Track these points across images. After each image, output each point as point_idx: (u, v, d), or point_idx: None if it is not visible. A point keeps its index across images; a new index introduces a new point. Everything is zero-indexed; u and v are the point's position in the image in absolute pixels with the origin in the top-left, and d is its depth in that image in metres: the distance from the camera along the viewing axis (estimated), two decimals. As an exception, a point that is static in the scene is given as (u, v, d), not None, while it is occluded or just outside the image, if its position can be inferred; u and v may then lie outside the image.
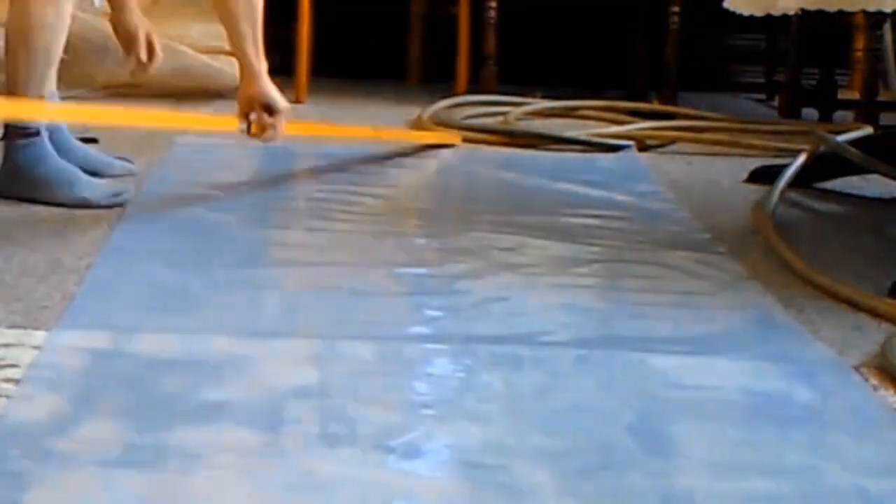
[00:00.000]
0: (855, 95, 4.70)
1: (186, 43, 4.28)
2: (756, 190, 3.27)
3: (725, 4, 3.88)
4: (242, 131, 3.00)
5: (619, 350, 2.03)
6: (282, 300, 2.28)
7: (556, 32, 5.20)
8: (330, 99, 4.57)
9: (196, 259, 2.52)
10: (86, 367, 1.86)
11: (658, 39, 4.76)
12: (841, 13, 3.83)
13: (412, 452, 1.62)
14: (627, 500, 1.52)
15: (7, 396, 1.72)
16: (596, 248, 2.68)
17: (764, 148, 3.83)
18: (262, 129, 3.00)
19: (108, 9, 4.31)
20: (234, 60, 4.42)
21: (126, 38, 3.16)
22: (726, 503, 1.52)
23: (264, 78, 2.98)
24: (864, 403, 1.86)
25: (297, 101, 4.46)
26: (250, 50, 2.96)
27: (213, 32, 4.40)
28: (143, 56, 3.14)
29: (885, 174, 3.21)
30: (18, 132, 2.84)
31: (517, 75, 4.92)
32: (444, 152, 3.67)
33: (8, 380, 1.77)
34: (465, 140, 3.83)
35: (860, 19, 4.73)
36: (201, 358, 1.91)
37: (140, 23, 3.16)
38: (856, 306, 2.30)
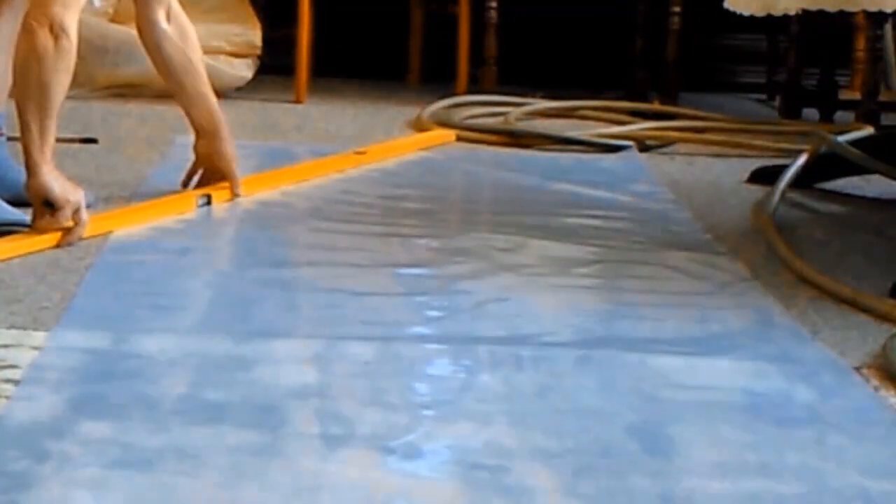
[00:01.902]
0: (856, 96, 4.69)
1: (186, 43, 4.27)
2: (757, 190, 3.26)
3: (725, 4, 3.87)
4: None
5: (620, 350, 2.03)
6: (282, 300, 2.28)
7: (556, 33, 5.19)
8: (330, 99, 4.57)
9: (196, 259, 2.52)
10: (86, 367, 1.86)
11: (658, 39, 4.76)
12: (842, 13, 3.83)
13: (412, 453, 1.62)
14: (628, 500, 1.51)
15: (7, 397, 1.72)
16: (596, 249, 2.68)
17: (764, 148, 3.82)
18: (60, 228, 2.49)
19: (108, 9, 4.33)
20: (234, 60, 4.45)
21: (210, 166, 2.91)
22: (726, 503, 1.53)
23: (44, 169, 2.46)
24: (864, 404, 1.86)
25: (297, 100, 4.46)
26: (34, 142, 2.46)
27: (213, 32, 4.41)
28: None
29: (885, 174, 3.20)
30: None
31: (517, 75, 4.92)
32: (443, 152, 3.67)
33: (8, 380, 1.77)
34: (466, 140, 3.82)
35: (861, 19, 4.72)
36: (201, 358, 1.91)
37: (233, 156, 2.91)
38: (856, 306, 2.30)
